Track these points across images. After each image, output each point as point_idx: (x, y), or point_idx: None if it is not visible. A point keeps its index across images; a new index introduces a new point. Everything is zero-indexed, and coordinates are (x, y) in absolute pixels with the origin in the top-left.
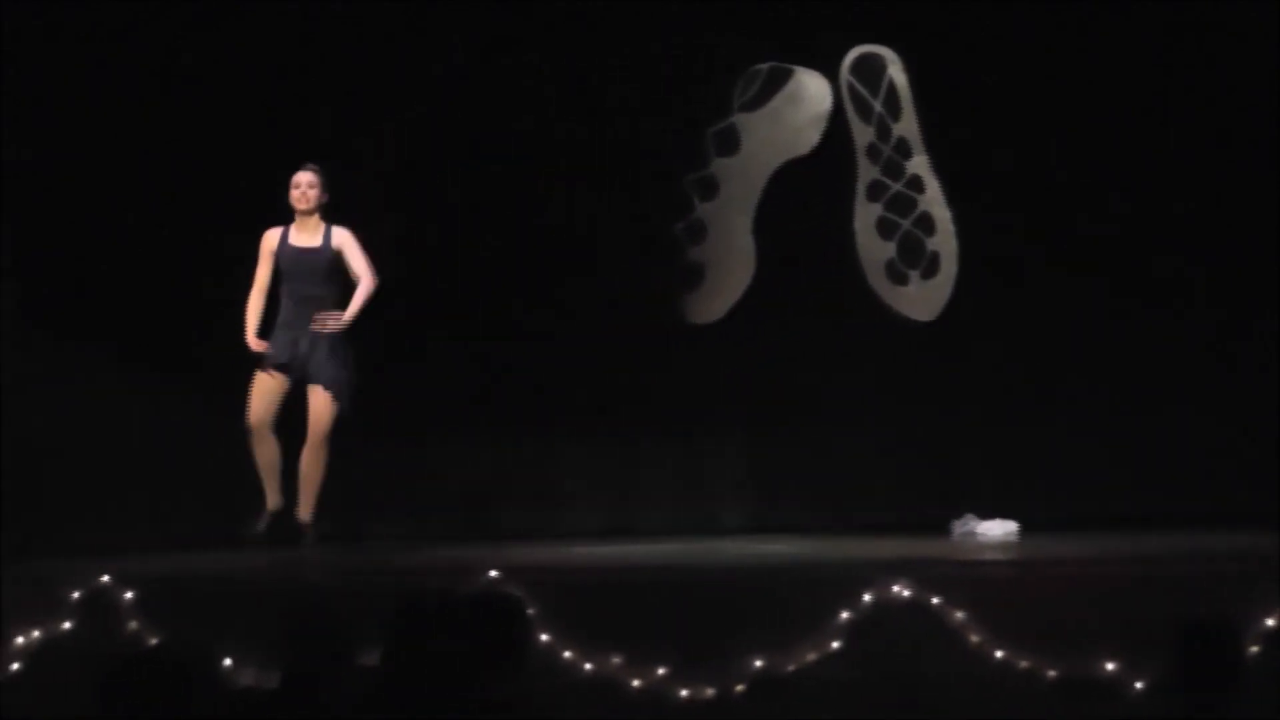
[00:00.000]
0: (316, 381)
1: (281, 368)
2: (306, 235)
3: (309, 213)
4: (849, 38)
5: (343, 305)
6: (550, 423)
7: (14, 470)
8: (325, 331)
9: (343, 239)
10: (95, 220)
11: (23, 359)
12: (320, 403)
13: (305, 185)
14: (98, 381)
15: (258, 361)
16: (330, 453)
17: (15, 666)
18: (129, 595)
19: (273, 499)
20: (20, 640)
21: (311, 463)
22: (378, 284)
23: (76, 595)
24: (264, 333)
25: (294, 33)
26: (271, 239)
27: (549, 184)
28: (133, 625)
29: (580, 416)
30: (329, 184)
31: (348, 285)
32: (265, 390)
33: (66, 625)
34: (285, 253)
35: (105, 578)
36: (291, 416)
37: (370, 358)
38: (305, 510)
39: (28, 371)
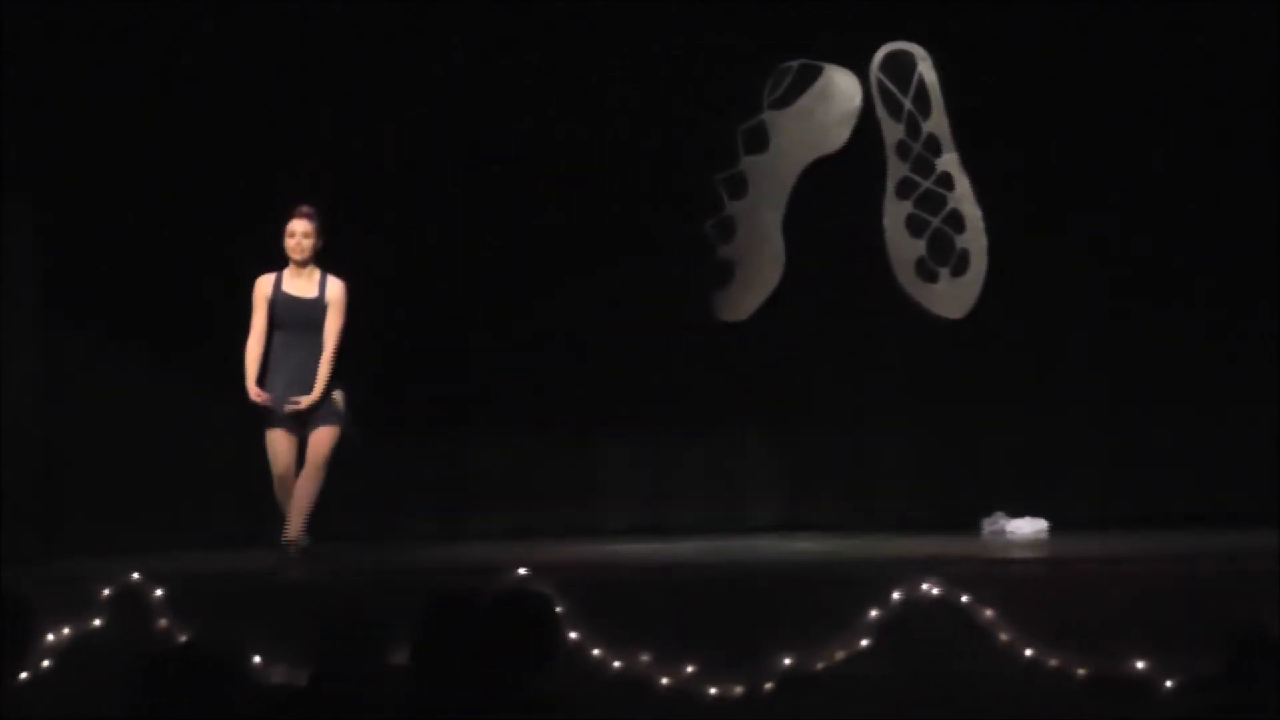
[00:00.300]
0: (314, 425)
1: (276, 420)
2: (301, 284)
3: (304, 262)
4: (879, 35)
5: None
6: (582, 422)
7: (46, 469)
8: (299, 407)
9: (334, 295)
10: (129, 222)
11: (55, 359)
12: (319, 434)
13: (300, 235)
14: (130, 381)
15: (263, 417)
16: (327, 477)
17: (46, 664)
18: (159, 593)
19: (293, 529)
20: (51, 638)
21: (306, 486)
22: (337, 354)
23: (107, 593)
24: (260, 376)
25: (320, 33)
26: (265, 286)
27: (583, 183)
28: (162, 623)
29: (612, 415)
30: (324, 229)
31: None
32: (279, 447)
33: (97, 623)
34: (280, 300)
35: (135, 575)
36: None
37: (405, 357)
38: (294, 529)
39: (60, 371)
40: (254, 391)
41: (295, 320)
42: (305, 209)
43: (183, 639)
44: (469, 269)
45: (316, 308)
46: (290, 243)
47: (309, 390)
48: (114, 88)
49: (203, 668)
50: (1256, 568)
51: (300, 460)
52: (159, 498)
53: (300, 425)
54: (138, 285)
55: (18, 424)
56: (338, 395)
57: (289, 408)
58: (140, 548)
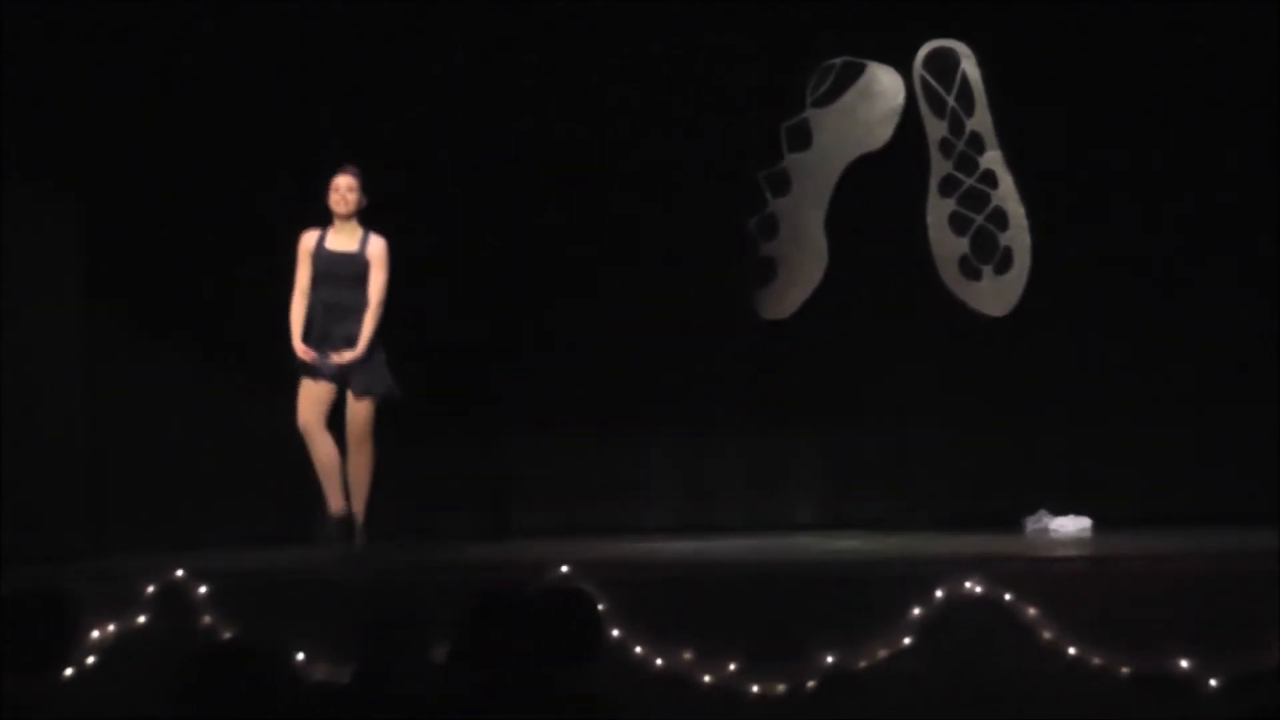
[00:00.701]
0: (351, 389)
1: (323, 378)
2: (344, 239)
3: (348, 217)
4: (922, 32)
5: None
6: (625, 419)
7: (91, 467)
8: (343, 362)
9: (376, 251)
10: (171, 219)
11: (99, 357)
12: (355, 408)
13: (344, 189)
14: (173, 378)
15: (303, 369)
16: (374, 450)
17: (90, 660)
18: (203, 590)
19: (335, 502)
20: (95, 634)
21: (357, 465)
22: (382, 311)
23: (151, 590)
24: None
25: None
26: (309, 240)
27: (626, 180)
28: (206, 620)
29: (655, 413)
30: (367, 186)
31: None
32: (312, 395)
33: (141, 620)
34: (320, 255)
35: (179, 572)
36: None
37: (449, 354)
38: (359, 504)
39: (104, 369)
40: (300, 349)
41: (335, 275)
42: (350, 166)
43: (226, 636)
44: (513, 265)
45: (357, 262)
46: (334, 197)
47: (352, 346)
48: (154, 85)
49: (246, 665)
50: None
51: (327, 418)
52: (203, 494)
53: (336, 384)
54: (180, 283)
55: (63, 422)
56: (379, 358)
57: (334, 359)
58: (184, 545)
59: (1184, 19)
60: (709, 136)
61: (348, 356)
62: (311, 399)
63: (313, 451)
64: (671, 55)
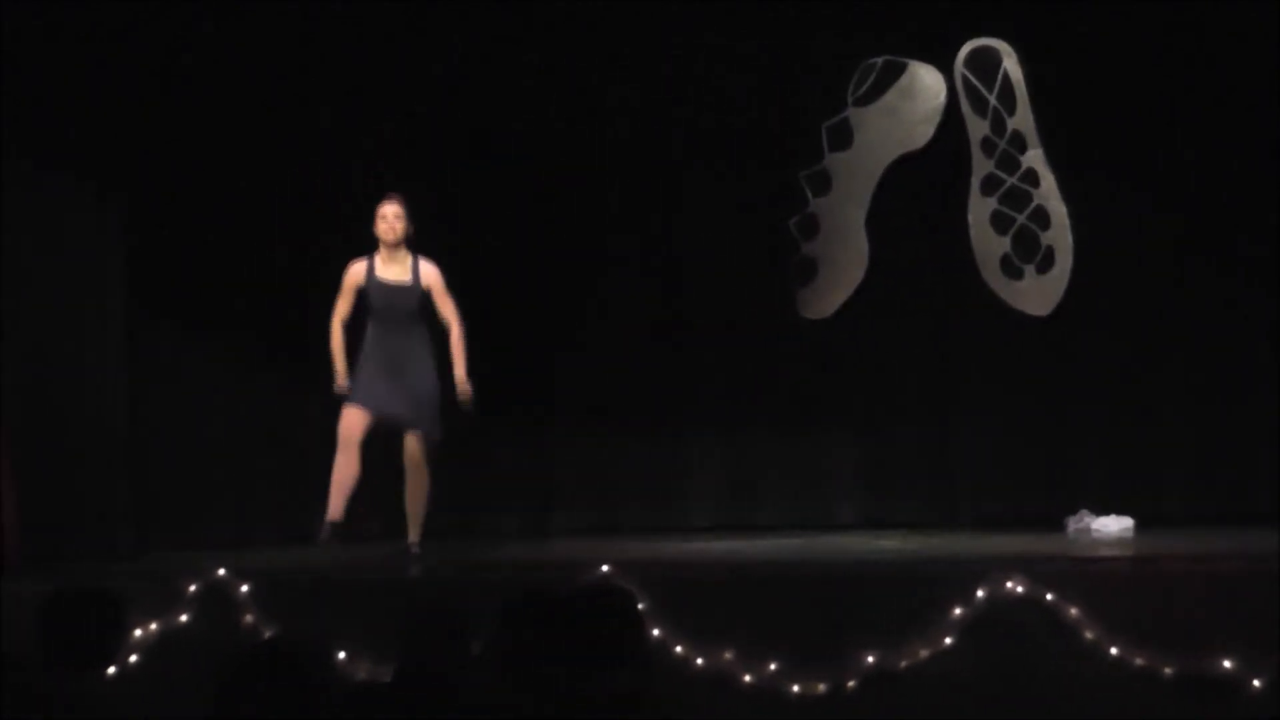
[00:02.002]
0: (404, 427)
1: (363, 404)
2: (395, 269)
3: (396, 245)
4: (964, 31)
5: (428, 348)
6: (667, 419)
7: (136, 466)
8: (464, 401)
9: (431, 278)
10: (212, 220)
11: (142, 357)
12: (412, 442)
13: (392, 217)
14: (216, 378)
15: (353, 397)
16: (430, 477)
17: (134, 659)
18: (245, 588)
19: (335, 511)
20: (139, 633)
21: (414, 493)
22: (461, 327)
23: (193, 588)
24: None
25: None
26: (358, 273)
27: (669, 181)
28: (248, 619)
29: (696, 412)
30: (413, 212)
31: (433, 317)
32: (353, 423)
33: (184, 618)
34: (375, 287)
35: (222, 571)
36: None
37: (490, 355)
38: (414, 534)
39: (147, 369)
40: (342, 383)
41: (390, 306)
42: (394, 193)
43: (267, 635)
44: (554, 265)
45: (411, 294)
46: (382, 226)
47: (415, 372)
48: (197, 85)
49: (287, 664)
50: None
51: (367, 439)
52: (245, 493)
53: (377, 413)
54: (222, 283)
55: (106, 422)
56: (433, 396)
57: (461, 391)
58: (227, 544)
59: (1225, 15)
60: (753, 135)
61: (465, 392)
62: (351, 425)
63: (338, 461)
64: (713, 51)
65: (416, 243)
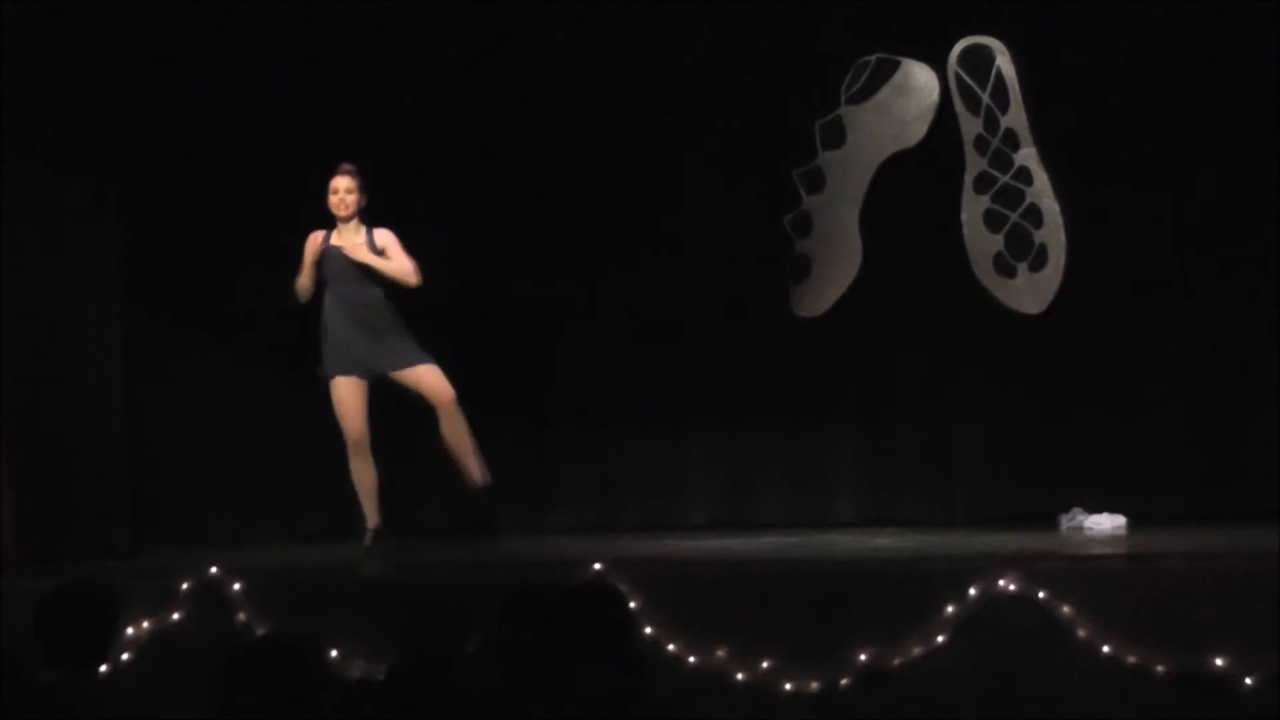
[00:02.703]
0: (405, 366)
1: (348, 371)
2: (347, 239)
3: (348, 218)
4: (957, 29)
5: (388, 303)
6: (663, 417)
7: (131, 464)
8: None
9: (385, 240)
10: (209, 217)
11: (139, 355)
12: (428, 376)
13: (343, 190)
14: (212, 375)
15: (330, 369)
16: (465, 415)
17: (126, 657)
18: (237, 586)
19: (372, 518)
20: (131, 631)
21: (453, 430)
22: (418, 278)
23: (186, 586)
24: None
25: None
26: (315, 241)
27: (662, 177)
28: (241, 616)
29: (693, 410)
30: (367, 185)
31: (392, 286)
32: (349, 399)
33: (176, 616)
34: (328, 253)
35: (214, 569)
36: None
37: (486, 352)
38: (477, 473)
39: (143, 367)
40: (309, 257)
41: (344, 273)
42: (346, 166)
43: (260, 632)
44: (549, 261)
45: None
46: (334, 200)
47: (380, 336)
48: (194, 86)
49: (281, 662)
50: None
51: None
52: (240, 492)
53: (368, 381)
54: (219, 282)
55: (102, 421)
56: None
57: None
58: (221, 542)
59: (1221, 13)
60: (747, 133)
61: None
62: (349, 404)
63: (355, 466)
64: (708, 50)
65: (412, 236)
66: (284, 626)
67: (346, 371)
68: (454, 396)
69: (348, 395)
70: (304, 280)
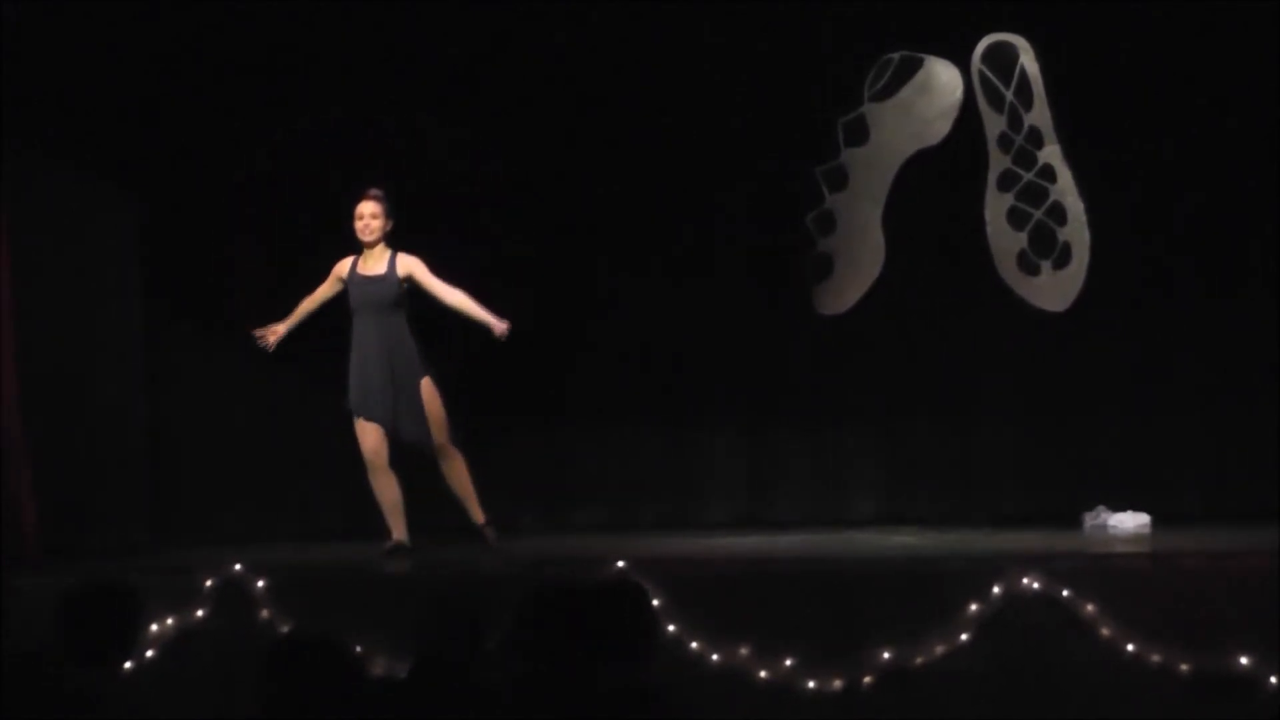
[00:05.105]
0: (401, 439)
1: (369, 416)
2: (372, 264)
3: (373, 244)
4: (981, 26)
5: (411, 331)
6: (683, 415)
7: (152, 461)
8: (500, 336)
9: (409, 265)
10: (229, 214)
11: (159, 352)
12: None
13: (368, 216)
14: (233, 373)
15: (355, 410)
16: (462, 455)
17: (150, 654)
18: (261, 584)
19: (398, 533)
20: (155, 628)
21: (454, 476)
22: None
23: (210, 584)
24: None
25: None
26: (343, 267)
27: (685, 177)
28: (265, 614)
29: (712, 408)
30: (393, 210)
31: (415, 312)
32: (368, 429)
33: (200, 614)
34: (353, 282)
35: (238, 566)
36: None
37: (507, 350)
38: (478, 514)
39: (164, 364)
40: (272, 328)
41: (366, 300)
42: (372, 191)
43: (284, 630)
44: (570, 261)
45: (386, 284)
46: (359, 225)
47: (404, 382)
48: (213, 84)
49: (321, 657)
50: None
51: (392, 452)
52: (262, 489)
53: (384, 425)
54: (239, 280)
55: (123, 418)
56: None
57: (500, 335)
58: (244, 539)
59: (1245, 12)
60: (771, 130)
61: (503, 326)
62: (367, 431)
63: (376, 485)
64: (732, 47)
65: (426, 244)
66: (306, 624)
67: (368, 416)
68: (447, 441)
69: (372, 441)
70: (320, 289)
